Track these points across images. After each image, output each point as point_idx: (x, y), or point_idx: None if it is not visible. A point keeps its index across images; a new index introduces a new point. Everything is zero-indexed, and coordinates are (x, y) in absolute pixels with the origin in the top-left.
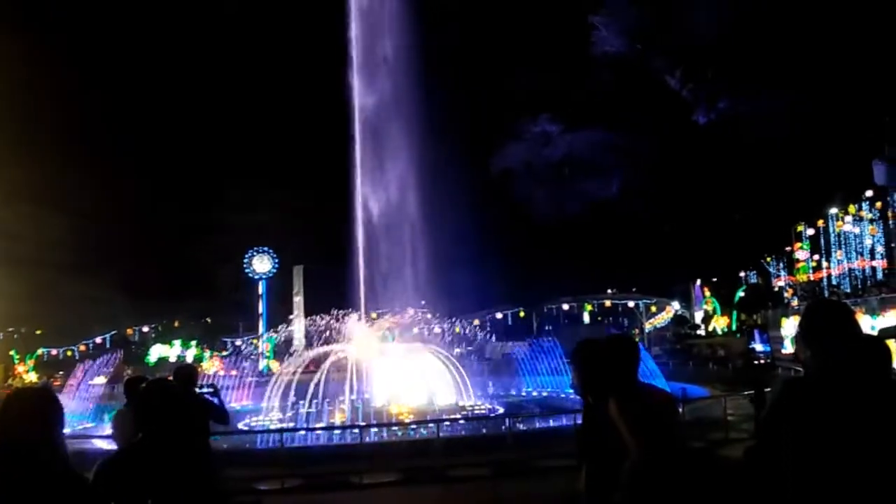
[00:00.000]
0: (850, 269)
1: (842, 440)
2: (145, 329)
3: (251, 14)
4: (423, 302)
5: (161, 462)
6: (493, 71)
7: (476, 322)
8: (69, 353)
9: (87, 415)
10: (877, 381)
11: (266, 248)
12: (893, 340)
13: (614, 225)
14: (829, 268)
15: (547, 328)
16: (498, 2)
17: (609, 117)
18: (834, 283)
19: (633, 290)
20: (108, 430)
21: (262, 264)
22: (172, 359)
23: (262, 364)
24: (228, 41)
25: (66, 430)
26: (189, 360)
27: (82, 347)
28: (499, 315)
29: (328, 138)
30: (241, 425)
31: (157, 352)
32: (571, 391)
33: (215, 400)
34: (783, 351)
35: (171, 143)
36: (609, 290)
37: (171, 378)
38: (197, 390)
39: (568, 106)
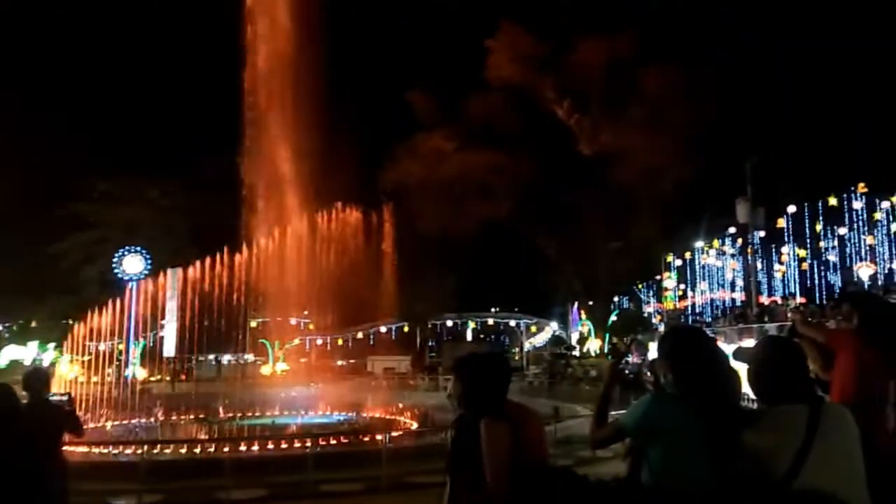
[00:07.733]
0: (711, 300)
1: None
2: None
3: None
4: (305, 312)
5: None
6: (387, 84)
7: (360, 335)
8: None
9: None
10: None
11: (138, 248)
12: (740, 364)
13: (501, 246)
14: (693, 297)
15: (430, 343)
16: (396, 21)
17: (501, 141)
18: (697, 311)
19: (516, 309)
20: None
21: (133, 265)
22: (27, 361)
23: (128, 371)
24: (108, 33)
25: None
26: (46, 363)
27: None
28: (383, 329)
29: (213, 138)
30: (98, 434)
31: (9, 353)
32: (449, 401)
33: (69, 409)
34: (646, 374)
35: (32, 125)
36: (493, 309)
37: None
38: (50, 398)
39: (462, 126)
